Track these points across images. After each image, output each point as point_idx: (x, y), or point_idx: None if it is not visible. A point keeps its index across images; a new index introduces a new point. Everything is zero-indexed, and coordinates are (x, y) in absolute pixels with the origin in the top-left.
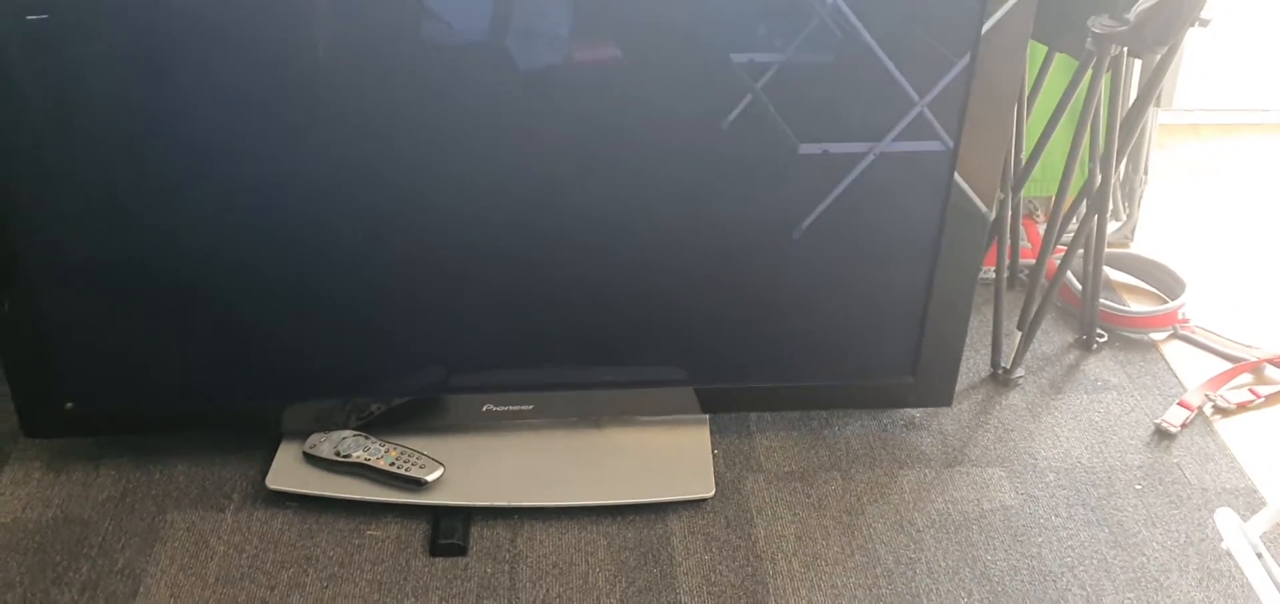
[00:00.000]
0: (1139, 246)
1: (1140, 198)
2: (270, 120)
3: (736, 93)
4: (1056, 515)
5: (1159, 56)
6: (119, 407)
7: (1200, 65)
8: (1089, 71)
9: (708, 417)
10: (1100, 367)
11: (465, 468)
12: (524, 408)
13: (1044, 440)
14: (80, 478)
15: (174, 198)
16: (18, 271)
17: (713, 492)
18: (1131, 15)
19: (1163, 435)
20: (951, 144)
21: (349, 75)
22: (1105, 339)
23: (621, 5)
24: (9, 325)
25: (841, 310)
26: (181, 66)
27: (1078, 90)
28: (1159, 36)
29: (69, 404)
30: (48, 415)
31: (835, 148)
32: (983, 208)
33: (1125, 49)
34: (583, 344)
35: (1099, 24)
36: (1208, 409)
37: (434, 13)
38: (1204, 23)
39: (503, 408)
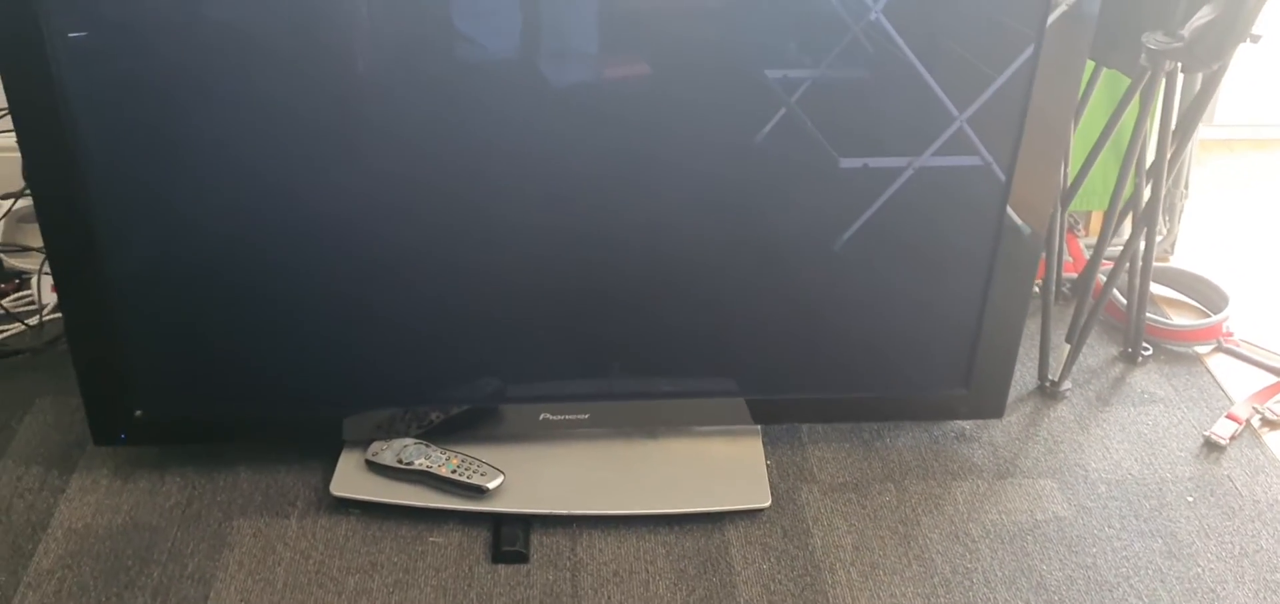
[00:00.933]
0: (1179, 260)
1: (1180, 212)
2: (336, 139)
3: (774, 106)
4: (1110, 526)
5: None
6: (187, 414)
7: (1234, 81)
8: (1140, 88)
9: (760, 427)
10: (1146, 380)
11: (525, 476)
12: (580, 417)
13: (1094, 452)
14: (147, 485)
15: (241, 212)
16: (91, 283)
17: (769, 502)
18: (1186, 31)
19: (1212, 447)
20: (1010, 158)
21: (408, 97)
22: (1150, 352)
23: (675, 24)
24: (82, 335)
25: (895, 323)
26: (248, 87)
27: (1128, 106)
28: (1213, 52)
29: (139, 412)
30: (119, 424)
31: (875, 162)
32: (1034, 224)
33: (1178, 65)
34: (635, 355)
35: (1153, 40)
36: (1256, 421)
37: (485, 38)
38: (1255, 38)
39: (559, 417)
